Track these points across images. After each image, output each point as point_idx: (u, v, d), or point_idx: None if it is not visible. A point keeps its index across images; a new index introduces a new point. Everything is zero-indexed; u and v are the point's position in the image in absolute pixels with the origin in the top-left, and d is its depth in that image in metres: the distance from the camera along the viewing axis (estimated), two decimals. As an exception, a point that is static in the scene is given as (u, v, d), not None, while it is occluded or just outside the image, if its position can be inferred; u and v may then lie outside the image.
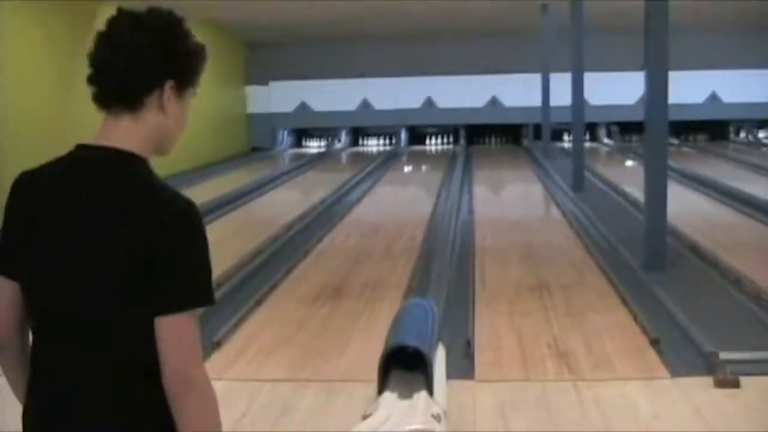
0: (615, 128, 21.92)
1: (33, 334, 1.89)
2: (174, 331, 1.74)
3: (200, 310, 1.78)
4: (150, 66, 1.81)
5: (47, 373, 1.84)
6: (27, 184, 1.87)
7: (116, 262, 1.75)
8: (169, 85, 1.84)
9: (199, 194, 12.61)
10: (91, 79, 1.84)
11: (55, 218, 1.81)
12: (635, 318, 5.94)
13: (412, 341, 3.37)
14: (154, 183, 1.82)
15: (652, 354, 5.26)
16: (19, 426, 1.86)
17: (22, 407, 1.90)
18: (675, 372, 4.93)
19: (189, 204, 1.80)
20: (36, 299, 1.85)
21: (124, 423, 1.79)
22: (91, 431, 1.80)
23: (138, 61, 1.80)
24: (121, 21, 1.82)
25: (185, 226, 1.77)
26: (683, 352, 5.24)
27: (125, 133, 1.83)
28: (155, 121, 1.85)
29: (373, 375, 3.25)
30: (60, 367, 1.82)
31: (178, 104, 1.88)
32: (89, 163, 1.82)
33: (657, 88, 7.30)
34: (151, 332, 1.75)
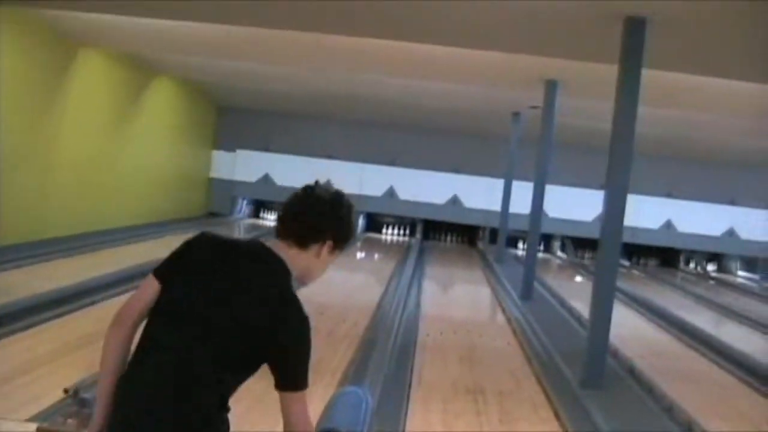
0: (569, 242, 22.18)
1: (146, 332, 2.55)
2: (297, 403, 2.62)
3: None
4: (322, 228, 2.70)
5: (145, 365, 2.51)
6: (207, 240, 2.68)
7: (240, 332, 2.53)
8: (329, 242, 2.72)
9: (150, 250, 12.48)
10: (280, 219, 2.72)
11: (214, 272, 2.57)
12: (566, 433, 5.93)
13: (342, 428, 3.32)
14: (294, 295, 2.62)
15: (578, 472, 5.24)
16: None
17: (116, 387, 2.54)
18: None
19: (308, 317, 2.60)
20: (164, 314, 2.55)
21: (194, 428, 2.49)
22: (161, 427, 2.44)
23: (316, 223, 2.69)
24: (316, 193, 2.72)
25: (305, 332, 2.59)
26: (609, 474, 5.22)
27: (289, 258, 2.68)
28: (309, 261, 2.72)
29: (298, 457, 3.20)
30: (157, 366, 2.48)
31: (328, 257, 2.74)
32: (261, 258, 2.64)
33: (615, 208, 7.42)
34: (232, 380, 2.60)
